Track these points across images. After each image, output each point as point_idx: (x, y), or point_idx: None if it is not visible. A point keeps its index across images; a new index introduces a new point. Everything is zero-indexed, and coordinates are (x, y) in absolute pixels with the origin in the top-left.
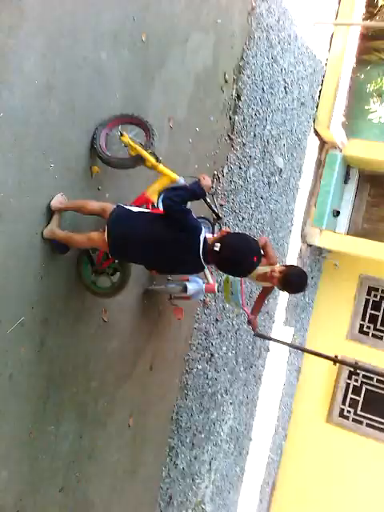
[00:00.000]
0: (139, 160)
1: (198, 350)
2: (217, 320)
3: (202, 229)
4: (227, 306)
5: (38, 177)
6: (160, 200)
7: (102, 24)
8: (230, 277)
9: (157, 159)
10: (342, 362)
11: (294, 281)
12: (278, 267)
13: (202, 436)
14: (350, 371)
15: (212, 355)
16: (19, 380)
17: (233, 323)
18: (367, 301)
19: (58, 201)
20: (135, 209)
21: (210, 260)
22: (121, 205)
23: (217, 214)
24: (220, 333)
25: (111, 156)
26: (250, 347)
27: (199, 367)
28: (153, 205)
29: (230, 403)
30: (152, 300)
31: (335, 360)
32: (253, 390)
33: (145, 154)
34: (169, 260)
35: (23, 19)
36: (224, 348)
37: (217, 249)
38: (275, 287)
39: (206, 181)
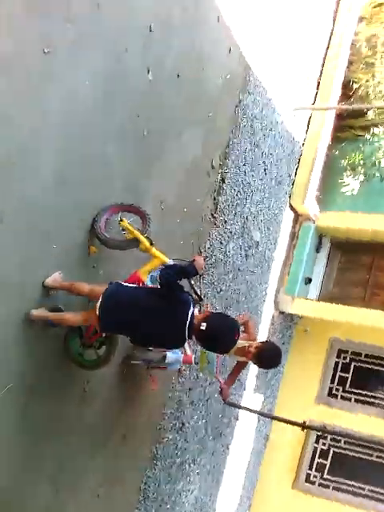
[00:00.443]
0: (134, 243)
1: (169, 420)
2: (190, 389)
3: (191, 305)
4: (200, 375)
5: (41, 256)
6: (156, 275)
7: (111, 121)
8: None
9: (151, 243)
10: (311, 427)
11: (268, 356)
12: (255, 343)
13: (168, 507)
14: (317, 435)
15: (183, 424)
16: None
17: (205, 392)
18: (337, 363)
19: (53, 278)
20: (131, 284)
21: (194, 336)
22: (116, 281)
23: (199, 296)
24: (192, 402)
25: (109, 237)
26: (220, 416)
27: (170, 437)
28: (143, 284)
29: (197, 473)
30: (131, 370)
31: (304, 426)
32: (220, 459)
33: (141, 237)
34: (158, 333)
35: (46, 121)
36: (195, 417)
37: (203, 328)
38: (249, 362)
39: (199, 261)
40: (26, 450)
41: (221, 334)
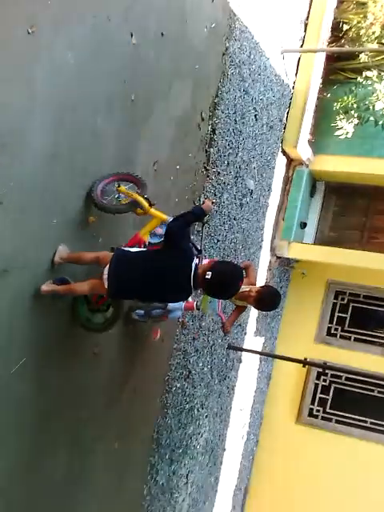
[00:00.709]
0: (133, 205)
1: (176, 370)
2: (194, 338)
3: (194, 255)
4: (203, 324)
5: (43, 232)
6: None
7: (98, 92)
8: None
9: (150, 203)
10: (311, 364)
11: (268, 300)
12: (255, 288)
13: (180, 451)
14: (318, 372)
15: (190, 372)
16: (21, 416)
17: (208, 340)
18: (335, 304)
19: (59, 254)
20: (133, 249)
21: (200, 285)
22: (119, 247)
23: (198, 249)
24: (197, 350)
25: (107, 204)
26: (223, 360)
27: (178, 385)
28: (145, 245)
29: (206, 416)
30: (136, 325)
31: (304, 362)
32: (226, 400)
33: (139, 198)
34: (166, 288)
35: (36, 100)
36: (200, 364)
37: (208, 276)
38: (248, 306)
39: (207, 203)
40: (45, 421)
41: (226, 281)
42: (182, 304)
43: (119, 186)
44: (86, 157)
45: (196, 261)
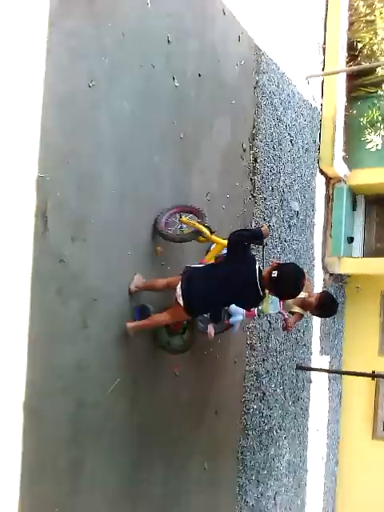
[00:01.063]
0: (196, 233)
1: (251, 391)
2: (263, 360)
3: (256, 260)
4: (270, 345)
5: (121, 263)
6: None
7: (152, 133)
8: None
9: (211, 231)
10: (380, 375)
11: (328, 305)
12: (314, 294)
13: (265, 472)
14: None
15: (264, 394)
16: (119, 433)
17: (277, 360)
18: None
19: (135, 283)
20: (200, 265)
21: (266, 286)
22: (190, 265)
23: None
24: (267, 371)
25: (171, 233)
26: (294, 381)
27: (254, 407)
28: None
29: (285, 438)
30: (211, 349)
31: (373, 375)
32: (302, 422)
33: (202, 227)
34: (235, 292)
35: (101, 145)
36: (273, 385)
37: (274, 275)
38: (305, 315)
39: (265, 228)
40: (138, 439)
41: (292, 279)
42: (243, 312)
43: (181, 217)
44: (148, 193)
45: (258, 265)
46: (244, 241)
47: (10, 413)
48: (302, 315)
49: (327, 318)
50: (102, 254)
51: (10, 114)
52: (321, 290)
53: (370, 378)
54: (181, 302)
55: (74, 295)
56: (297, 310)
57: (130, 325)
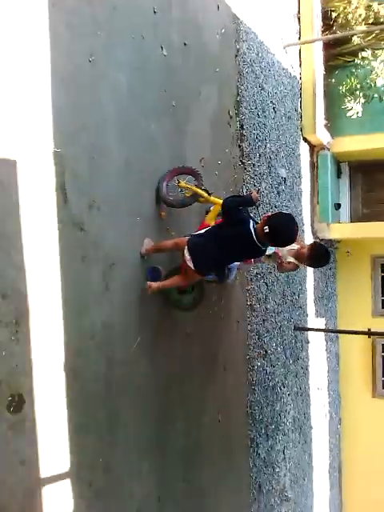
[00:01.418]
0: (195, 197)
1: (254, 349)
2: (263, 320)
3: (250, 220)
4: (269, 306)
5: (132, 229)
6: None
7: (147, 102)
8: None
9: (208, 193)
10: (376, 333)
11: (320, 254)
12: (306, 245)
13: (273, 427)
14: (383, 345)
15: (266, 352)
16: (144, 388)
17: (276, 321)
18: (383, 278)
19: (145, 246)
20: (202, 231)
21: (264, 240)
22: (192, 234)
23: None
24: (268, 330)
25: (173, 199)
26: (293, 341)
27: (258, 364)
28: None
29: (288, 394)
30: (216, 309)
31: (369, 333)
32: (303, 380)
33: (199, 191)
34: (236, 251)
35: (105, 118)
36: (274, 344)
37: (267, 230)
38: (300, 266)
39: (255, 194)
40: (162, 393)
41: (284, 228)
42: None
43: (179, 182)
44: (149, 160)
45: (252, 224)
46: (236, 206)
47: (54, 373)
48: (297, 265)
49: (320, 279)
50: (115, 221)
51: (24, 94)
52: (313, 241)
53: (367, 337)
54: (191, 266)
55: (96, 261)
56: (291, 260)
57: (153, 285)
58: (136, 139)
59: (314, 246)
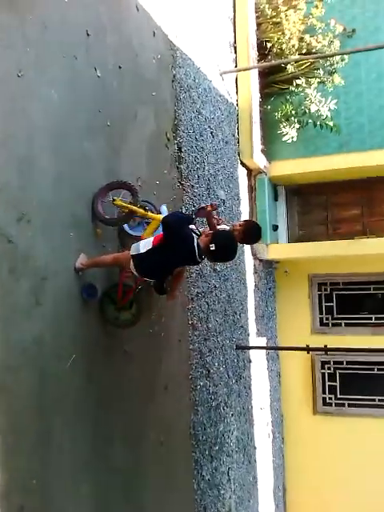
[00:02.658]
0: (131, 214)
1: (197, 368)
2: (205, 339)
3: (194, 237)
4: (210, 326)
5: (65, 244)
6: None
7: (80, 120)
8: None
9: (145, 209)
10: (314, 349)
11: (254, 229)
12: (237, 223)
13: (217, 448)
14: (322, 362)
15: (208, 371)
16: (80, 406)
17: (218, 340)
18: (320, 296)
19: (79, 261)
20: (142, 246)
21: (207, 256)
22: (133, 254)
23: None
24: (210, 350)
25: (110, 218)
26: (235, 360)
27: (201, 384)
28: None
29: (231, 415)
30: (156, 328)
31: (308, 349)
32: (246, 400)
33: (136, 209)
34: (178, 263)
35: (35, 131)
36: (216, 363)
37: (213, 248)
38: None
39: (210, 208)
40: (96, 413)
41: (229, 248)
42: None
43: (114, 200)
44: (82, 176)
45: (196, 240)
46: (179, 226)
47: None
48: None
49: (261, 298)
50: (46, 235)
51: None
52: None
53: (306, 354)
54: (137, 275)
55: (25, 274)
56: None
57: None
58: (69, 155)
59: (247, 223)
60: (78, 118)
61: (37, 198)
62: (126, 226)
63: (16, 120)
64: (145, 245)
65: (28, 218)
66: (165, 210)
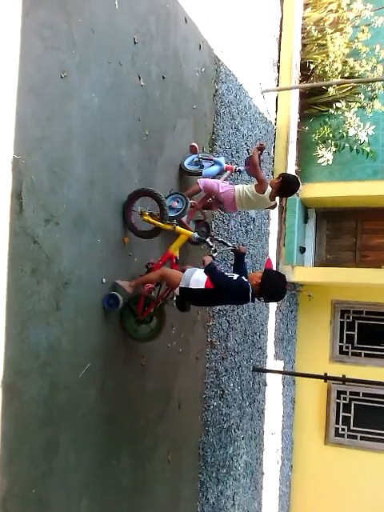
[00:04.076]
0: (159, 230)
1: (211, 388)
2: (223, 358)
3: (248, 286)
4: (229, 344)
5: (91, 250)
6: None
7: (119, 127)
8: None
9: (172, 224)
10: (332, 378)
11: (293, 182)
12: (274, 180)
13: (224, 471)
14: (338, 391)
15: (223, 392)
16: (89, 417)
17: (235, 360)
18: (342, 323)
19: (128, 288)
20: (193, 285)
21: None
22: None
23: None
24: (226, 370)
25: (142, 230)
26: (251, 382)
27: (214, 404)
28: (176, 259)
29: (242, 438)
30: (174, 343)
31: (325, 377)
32: (258, 424)
33: (162, 225)
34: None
35: (72, 134)
36: (231, 384)
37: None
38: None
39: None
40: (107, 425)
41: (280, 293)
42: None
43: (143, 215)
44: (115, 183)
45: (250, 289)
46: (221, 278)
47: None
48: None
49: (282, 320)
50: (73, 239)
51: None
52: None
53: (323, 382)
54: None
55: (47, 277)
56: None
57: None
58: (104, 161)
59: (283, 176)
60: (116, 125)
61: (67, 201)
62: (186, 162)
63: (54, 121)
64: (196, 282)
65: (56, 220)
66: (223, 162)
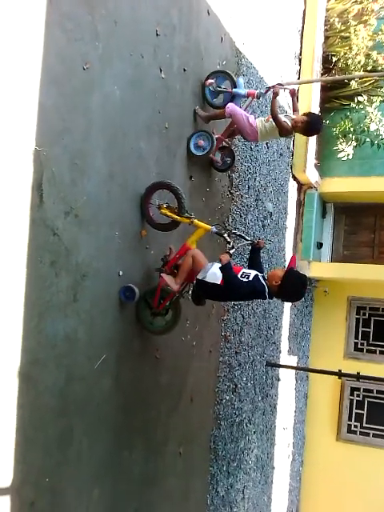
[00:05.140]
0: (176, 224)
1: (224, 382)
2: (236, 352)
3: (264, 286)
4: (243, 339)
5: (108, 243)
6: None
7: (139, 120)
8: None
9: (190, 218)
10: (346, 375)
11: (317, 120)
12: (298, 119)
13: (235, 464)
14: (351, 388)
15: (236, 386)
16: (103, 408)
17: (248, 355)
18: (358, 320)
19: (174, 287)
20: (209, 279)
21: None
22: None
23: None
24: (240, 364)
25: (159, 223)
26: (264, 377)
27: (227, 398)
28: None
29: (254, 432)
30: (189, 336)
31: (339, 374)
32: (270, 418)
33: (179, 219)
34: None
35: (93, 126)
36: (244, 379)
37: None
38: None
39: (224, 257)
40: (121, 416)
41: (299, 294)
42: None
43: (161, 208)
44: (134, 176)
45: (266, 286)
46: (236, 280)
47: (6, 379)
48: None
49: (297, 316)
50: (91, 232)
51: (10, 89)
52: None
53: (336, 379)
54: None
55: (65, 269)
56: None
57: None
58: (124, 153)
59: (307, 115)
60: (137, 117)
61: (87, 193)
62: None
63: (75, 112)
64: (213, 276)
65: (76, 212)
66: (241, 84)
